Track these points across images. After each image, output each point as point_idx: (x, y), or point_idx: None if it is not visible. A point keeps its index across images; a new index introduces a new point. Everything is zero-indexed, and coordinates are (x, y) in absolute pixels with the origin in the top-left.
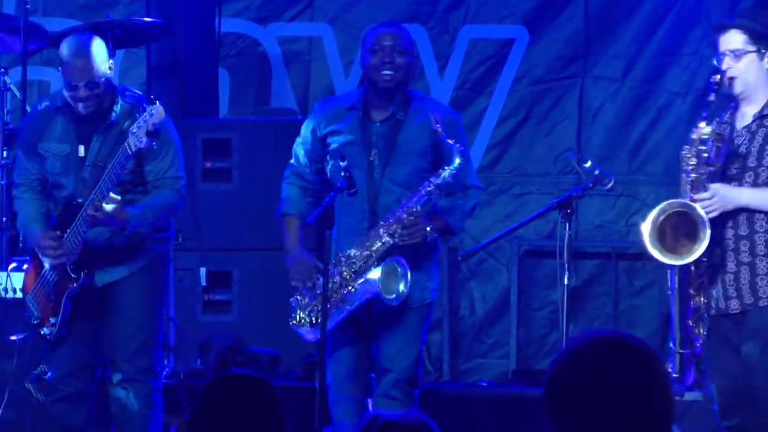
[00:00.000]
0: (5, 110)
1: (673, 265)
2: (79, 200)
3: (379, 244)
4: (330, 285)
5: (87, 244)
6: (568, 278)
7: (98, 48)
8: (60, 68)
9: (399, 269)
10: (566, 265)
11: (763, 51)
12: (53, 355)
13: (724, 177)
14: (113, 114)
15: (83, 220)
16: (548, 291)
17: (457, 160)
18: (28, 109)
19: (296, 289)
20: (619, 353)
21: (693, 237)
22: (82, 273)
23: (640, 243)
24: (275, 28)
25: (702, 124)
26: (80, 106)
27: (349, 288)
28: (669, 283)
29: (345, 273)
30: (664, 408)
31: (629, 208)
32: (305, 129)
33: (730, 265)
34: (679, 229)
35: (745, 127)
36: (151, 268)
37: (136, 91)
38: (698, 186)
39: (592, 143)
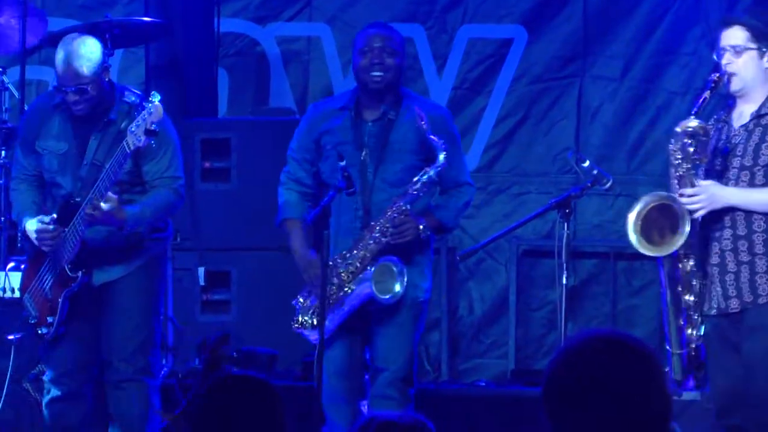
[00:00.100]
0: (3, 109)
1: (662, 264)
2: (77, 199)
3: (373, 243)
4: (331, 288)
5: (85, 243)
6: (567, 278)
7: (89, 53)
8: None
9: (394, 268)
10: (565, 264)
11: (764, 50)
12: (50, 355)
13: (721, 176)
14: (111, 113)
15: (81, 219)
16: (547, 291)
17: (441, 157)
18: (27, 108)
19: (310, 289)
20: (617, 353)
21: (675, 230)
22: (80, 272)
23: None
24: (274, 28)
25: (692, 119)
26: (72, 108)
27: (346, 289)
28: (660, 282)
29: (343, 274)
30: (662, 408)
31: (628, 207)
32: (299, 132)
33: (731, 265)
34: (663, 221)
35: (742, 126)
36: (148, 267)
37: (136, 90)
38: (685, 181)
39: (591, 143)
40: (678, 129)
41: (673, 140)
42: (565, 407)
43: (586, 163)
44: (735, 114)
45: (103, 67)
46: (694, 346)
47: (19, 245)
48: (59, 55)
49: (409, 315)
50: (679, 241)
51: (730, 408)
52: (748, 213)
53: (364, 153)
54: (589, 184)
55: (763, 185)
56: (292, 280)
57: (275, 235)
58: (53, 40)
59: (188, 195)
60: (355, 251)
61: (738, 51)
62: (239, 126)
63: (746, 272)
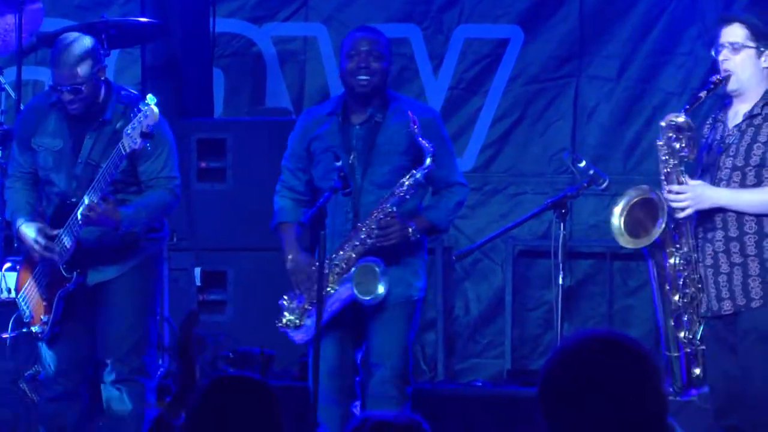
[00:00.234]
0: (0, 110)
1: (650, 259)
2: (73, 200)
3: (359, 245)
4: (314, 288)
5: (80, 243)
6: (563, 278)
7: (84, 53)
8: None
9: (376, 269)
10: (561, 265)
11: (762, 49)
12: (45, 355)
13: (714, 176)
14: (106, 113)
15: (77, 220)
16: (543, 291)
17: (428, 160)
18: (24, 106)
19: (298, 288)
20: (614, 353)
21: (655, 222)
22: (75, 272)
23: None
24: (270, 28)
25: (678, 114)
26: (67, 107)
27: (329, 289)
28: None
29: (329, 274)
30: (657, 407)
31: None
32: (291, 140)
33: (723, 267)
34: (646, 215)
35: (736, 126)
36: (143, 267)
37: (132, 90)
38: (672, 177)
39: (587, 143)
40: (663, 123)
41: (660, 135)
42: (562, 407)
43: (583, 164)
44: (731, 113)
45: (99, 67)
46: (689, 350)
47: (15, 245)
48: (52, 56)
49: (403, 313)
50: (655, 233)
51: (727, 409)
52: (740, 214)
53: (352, 156)
54: (585, 185)
55: (754, 186)
56: (289, 280)
57: (271, 236)
58: (49, 41)
59: (184, 195)
60: (341, 252)
61: (736, 48)
62: (235, 126)
63: (739, 274)
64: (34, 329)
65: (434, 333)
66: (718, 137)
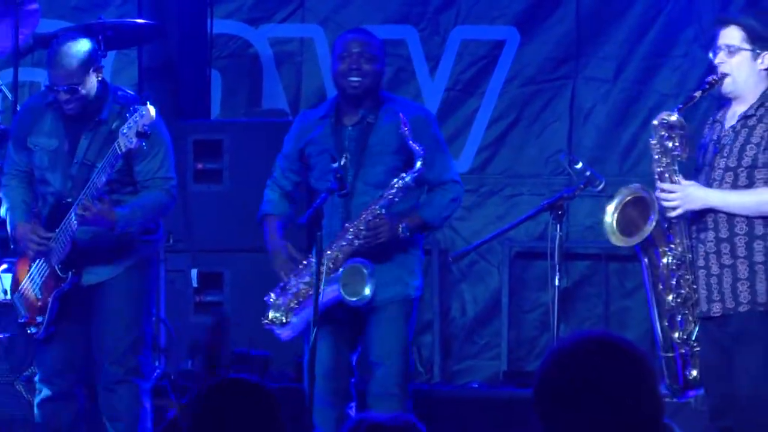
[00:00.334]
0: None
1: (642, 259)
2: (69, 200)
3: (346, 245)
4: (301, 287)
5: (75, 243)
6: (559, 280)
7: (80, 53)
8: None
9: (364, 270)
10: (557, 266)
11: (758, 51)
12: (41, 355)
13: (708, 176)
14: (103, 113)
15: (72, 220)
16: (539, 292)
17: (418, 164)
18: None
19: (281, 271)
20: (610, 355)
21: (646, 220)
22: (70, 272)
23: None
24: (267, 30)
25: (671, 112)
26: (63, 107)
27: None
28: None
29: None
30: (653, 410)
31: None
32: (287, 141)
33: (714, 268)
34: (637, 214)
35: (731, 127)
36: (138, 269)
37: (129, 91)
38: (665, 177)
39: (584, 144)
40: (655, 122)
41: (652, 134)
42: (557, 408)
43: (579, 165)
44: (729, 114)
45: (95, 67)
46: (683, 351)
47: (11, 246)
48: (48, 57)
49: (401, 312)
50: (648, 230)
51: (722, 410)
52: (731, 215)
53: (344, 158)
54: (581, 186)
55: (746, 187)
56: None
57: None
58: (46, 42)
59: (181, 196)
60: (328, 252)
61: (732, 51)
62: (232, 127)
63: (728, 276)
64: (30, 330)
65: (430, 334)
66: (714, 137)
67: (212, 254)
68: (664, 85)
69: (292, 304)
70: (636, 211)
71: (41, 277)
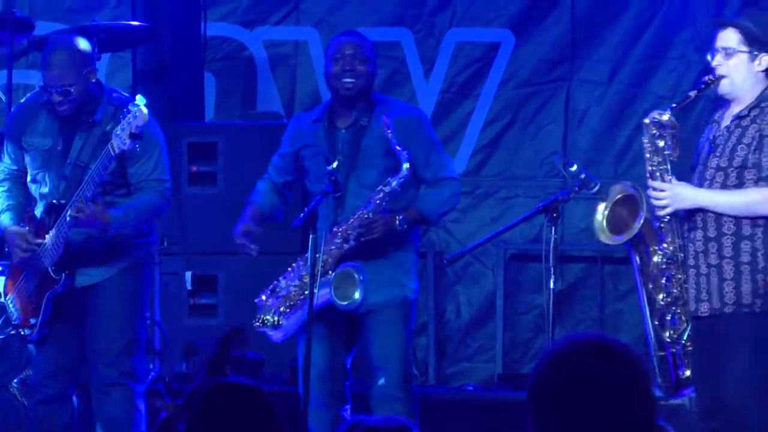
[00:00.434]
0: None
1: (633, 259)
2: (62, 201)
3: (335, 249)
4: (292, 289)
5: (68, 245)
6: (554, 282)
7: (74, 55)
8: None
9: (356, 275)
10: (552, 268)
11: (756, 53)
12: (34, 357)
13: (702, 176)
14: (97, 114)
15: (66, 221)
16: (534, 295)
17: (405, 168)
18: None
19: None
20: (604, 357)
21: (635, 218)
22: (64, 274)
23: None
24: (261, 32)
25: (663, 111)
26: (56, 108)
27: (305, 292)
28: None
29: (305, 277)
30: (647, 412)
31: None
32: (284, 141)
33: (702, 268)
34: (627, 213)
35: (725, 127)
36: (131, 271)
37: (124, 93)
38: (656, 176)
39: (578, 147)
40: (646, 120)
41: (644, 132)
42: (552, 410)
43: (574, 167)
44: (726, 115)
45: (89, 69)
46: (675, 350)
47: (6, 249)
48: (42, 57)
49: (399, 314)
50: (637, 227)
51: (712, 411)
52: (719, 215)
53: (337, 160)
54: (576, 188)
55: (735, 187)
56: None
57: (262, 239)
58: (40, 44)
59: (175, 199)
60: (317, 255)
61: (729, 53)
62: (226, 130)
63: (715, 277)
64: (23, 332)
65: (425, 337)
66: (710, 137)
67: (207, 257)
68: (659, 87)
69: (282, 308)
70: (626, 209)
71: (35, 279)
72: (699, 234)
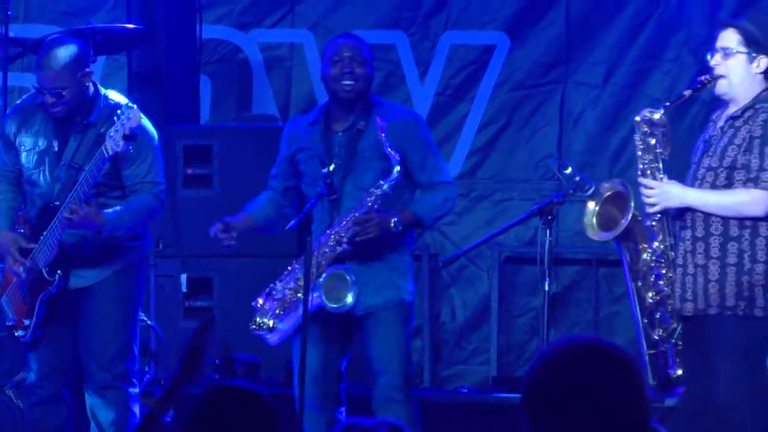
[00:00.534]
0: None
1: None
2: (56, 203)
3: (328, 251)
4: (287, 293)
5: (62, 246)
6: (549, 285)
7: (68, 57)
8: None
9: (347, 277)
10: (547, 271)
11: (754, 55)
12: (28, 358)
13: (694, 175)
14: (92, 116)
15: (60, 223)
16: (529, 297)
17: (395, 171)
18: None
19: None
20: (598, 359)
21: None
22: (57, 275)
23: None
24: (256, 35)
25: (655, 110)
26: (50, 109)
27: (299, 295)
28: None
29: (299, 279)
30: (641, 415)
31: None
32: (281, 146)
33: (689, 267)
34: (620, 210)
35: (720, 127)
36: (125, 273)
37: (120, 96)
38: (647, 174)
39: (573, 149)
40: (637, 118)
41: (635, 130)
42: (546, 413)
43: (569, 170)
44: (723, 115)
45: (83, 71)
46: (665, 348)
47: None
48: (37, 59)
49: (398, 317)
50: (624, 224)
51: (702, 411)
52: (708, 215)
53: (333, 163)
54: (571, 191)
55: (725, 186)
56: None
57: (257, 242)
58: (35, 47)
59: (170, 201)
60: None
61: (727, 54)
62: (221, 133)
63: (701, 277)
64: (17, 333)
65: (420, 339)
66: (706, 137)
67: (202, 259)
68: (654, 89)
69: (278, 311)
70: (615, 206)
71: (29, 280)
72: (688, 233)
